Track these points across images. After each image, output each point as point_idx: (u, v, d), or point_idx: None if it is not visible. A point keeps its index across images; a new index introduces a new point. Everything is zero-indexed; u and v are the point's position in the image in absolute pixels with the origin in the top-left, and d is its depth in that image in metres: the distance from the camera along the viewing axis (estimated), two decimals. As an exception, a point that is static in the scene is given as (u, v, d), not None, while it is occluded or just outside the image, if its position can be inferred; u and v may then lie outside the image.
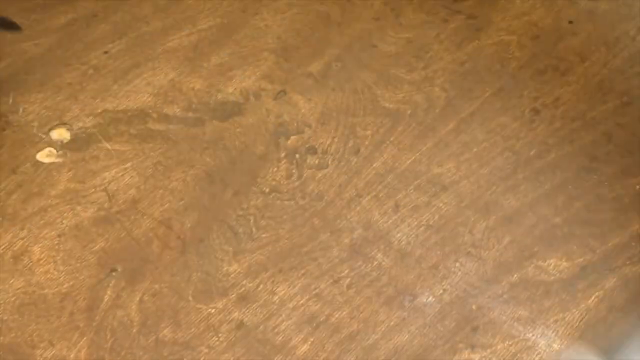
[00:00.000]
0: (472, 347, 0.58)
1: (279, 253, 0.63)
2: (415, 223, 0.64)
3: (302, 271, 0.62)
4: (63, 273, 0.62)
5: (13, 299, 0.61)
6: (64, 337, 0.59)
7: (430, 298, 0.60)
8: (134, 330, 0.59)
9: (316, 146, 0.68)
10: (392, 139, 0.68)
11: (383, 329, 0.59)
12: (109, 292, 0.61)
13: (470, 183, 0.66)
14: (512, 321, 0.59)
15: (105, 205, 0.65)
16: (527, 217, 0.64)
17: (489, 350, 0.58)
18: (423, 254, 0.63)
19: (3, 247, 0.63)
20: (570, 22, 0.74)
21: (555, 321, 0.59)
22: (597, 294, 0.60)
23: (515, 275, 0.61)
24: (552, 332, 0.58)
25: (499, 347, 0.58)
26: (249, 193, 0.66)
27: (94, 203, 0.65)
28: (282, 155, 0.67)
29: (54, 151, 0.68)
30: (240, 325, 0.59)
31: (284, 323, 0.59)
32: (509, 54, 0.73)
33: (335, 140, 0.68)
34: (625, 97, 0.70)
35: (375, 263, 0.62)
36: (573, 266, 0.62)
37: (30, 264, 0.62)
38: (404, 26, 0.73)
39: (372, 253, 0.63)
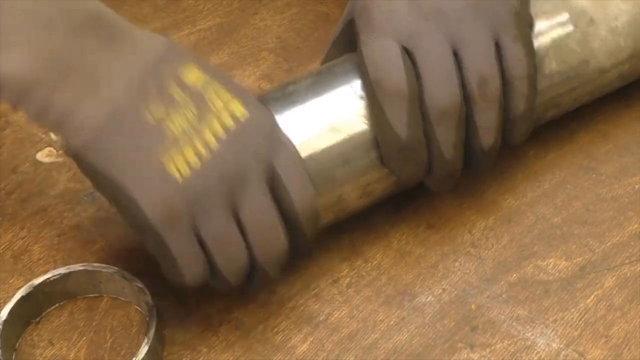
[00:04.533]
0: (471, 347, 0.58)
1: (278, 253, 0.62)
2: (415, 223, 0.64)
3: (302, 270, 0.62)
4: (63, 273, 0.62)
5: (13, 298, 0.61)
6: (64, 337, 0.59)
7: (429, 297, 0.60)
8: (134, 330, 0.59)
9: (315, 146, 0.68)
10: (391, 138, 0.68)
11: (382, 328, 0.59)
12: (108, 292, 0.61)
13: (469, 183, 0.66)
14: (511, 320, 0.59)
15: (105, 205, 0.65)
16: (526, 217, 0.64)
17: (488, 350, 0.58)
18: (422, 253, 0.63)
19: (3, 246, 0.63)
20: (570, 22, 0.74)
21: (554, 320, 0.59)
22: (596, 293, 0.60)
23: (515, 275, 0.61)
24: (551, 331, 0.58)
25: (498, 346, 0.58)
26: (249, 193, 0.65)
27: (94, 203, 0.65)
28: (282, 155, 0.67)
29: (54, 151, 0.68)
30: (240, 325, 0.59)
31: (284, 323, 0.59)
32: (508, 54, 0.72)
33: (335, 140, 0.68)
34: (624, 96, 0.70)
35: (375, 262, 0.62)
36: (572, 265, 0.62)
37: (30, 263, 0.62)
38: (403, 26, 0.73)
39: (372, 253, 0.63)
